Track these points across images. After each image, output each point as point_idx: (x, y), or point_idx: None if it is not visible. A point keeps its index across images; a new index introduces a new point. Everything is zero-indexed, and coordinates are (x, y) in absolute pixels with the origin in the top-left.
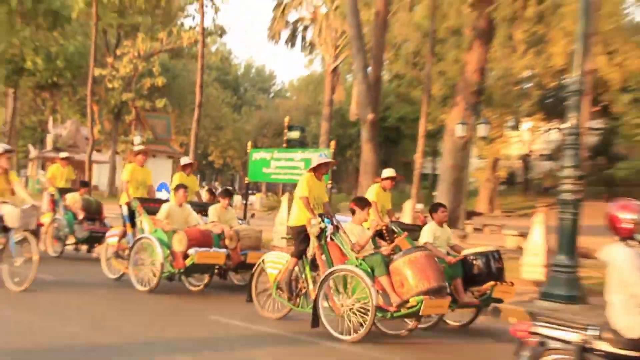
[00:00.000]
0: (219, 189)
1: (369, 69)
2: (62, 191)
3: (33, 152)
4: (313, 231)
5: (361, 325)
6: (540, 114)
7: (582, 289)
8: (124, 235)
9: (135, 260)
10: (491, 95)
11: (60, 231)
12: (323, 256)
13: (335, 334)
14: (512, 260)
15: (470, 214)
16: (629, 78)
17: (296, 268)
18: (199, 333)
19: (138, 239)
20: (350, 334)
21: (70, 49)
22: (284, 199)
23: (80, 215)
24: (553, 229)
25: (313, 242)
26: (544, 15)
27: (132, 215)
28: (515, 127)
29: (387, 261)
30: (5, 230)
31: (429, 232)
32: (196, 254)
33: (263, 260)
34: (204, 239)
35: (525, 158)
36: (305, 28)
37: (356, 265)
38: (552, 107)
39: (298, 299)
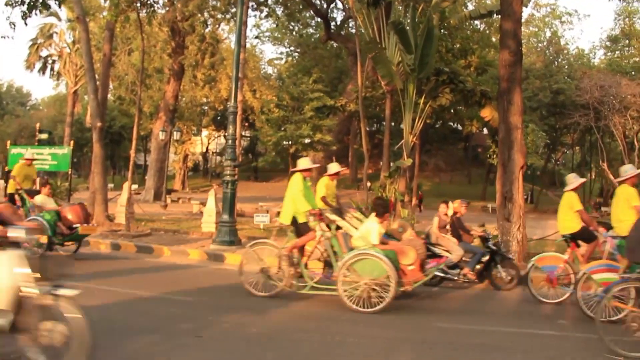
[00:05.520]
0: None
1: (99, 91)
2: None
3: None
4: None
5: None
6: (213, 125)
7: (237, 236)
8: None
9: None
10: (182, 112)
11: None
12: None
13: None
14: (197, 220)
15: (170, 191)
16: (264, 106)
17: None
18: None
19: None
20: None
21: None
22: (37, 182)
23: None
24: (220, 199)
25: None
26: (214, 65)
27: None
28: (198, 134)
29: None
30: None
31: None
32: None
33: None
34: None
35: (204, 154)
36: (54, 62)
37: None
38: (220, 121)
39: None
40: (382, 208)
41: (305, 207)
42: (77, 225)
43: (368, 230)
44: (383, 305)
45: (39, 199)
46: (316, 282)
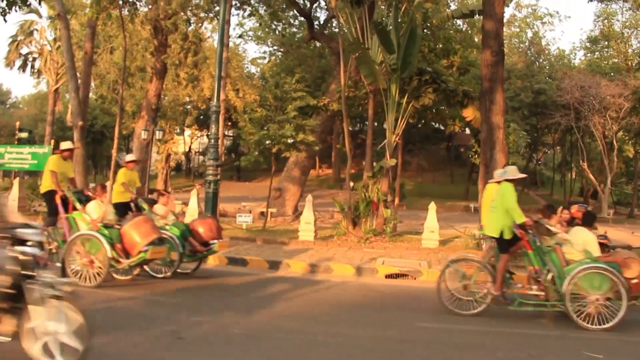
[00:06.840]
0: None
1: (80, 90)
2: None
3: None
4: None
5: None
6: (196, 125)
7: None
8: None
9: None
10: (165, 111)
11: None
12: None
13: None
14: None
15: (152, 191)
16: (246, 105)
17: None
18: None
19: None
20: None
21: None
22: (16, 182)
23: None
24: (202, 199)
25: None
26: (197, 63)
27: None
28: (181, 133)
29: None
30: None
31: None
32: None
33: None
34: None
35: (187, 153)
36: (34, 59)
37: None
38: (203, 121)
39: None
40: (591, 218)
41: (522, 219)
42: (214, 241)
43: (587, 241)
44: (615, 322)
45: (159, 210)
46: (522, 298)
